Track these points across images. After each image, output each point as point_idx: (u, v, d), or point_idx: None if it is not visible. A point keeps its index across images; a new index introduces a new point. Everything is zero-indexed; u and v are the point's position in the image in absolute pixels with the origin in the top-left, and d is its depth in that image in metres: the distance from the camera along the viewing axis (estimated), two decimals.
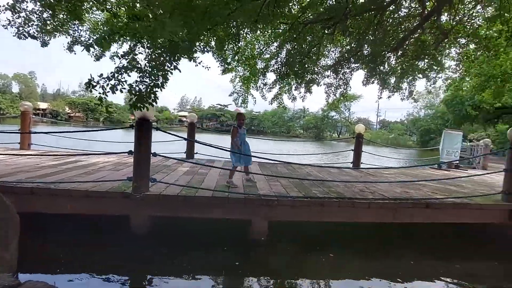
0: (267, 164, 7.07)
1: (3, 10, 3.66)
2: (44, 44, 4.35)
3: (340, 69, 6.83)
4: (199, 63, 3.99)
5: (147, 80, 2.63)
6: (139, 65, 2.58)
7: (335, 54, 7.18)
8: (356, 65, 6.83)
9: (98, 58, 5.02)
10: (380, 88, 6.95)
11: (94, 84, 2.58)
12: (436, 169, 8.79)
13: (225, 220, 4.11)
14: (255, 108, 60.25)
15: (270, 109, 64.65)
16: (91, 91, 2.61)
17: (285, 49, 6.52)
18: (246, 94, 7.39)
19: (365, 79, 6.87)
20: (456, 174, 7.78)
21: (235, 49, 6.10)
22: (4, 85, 60.69)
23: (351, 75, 7.10)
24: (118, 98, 23.65)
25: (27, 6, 3.78)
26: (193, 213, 3.86)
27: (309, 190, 4.56)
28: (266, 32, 6.18)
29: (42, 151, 6.80)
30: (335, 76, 6.98)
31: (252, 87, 7.29)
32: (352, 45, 6.53)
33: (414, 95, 7.26)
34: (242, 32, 5.45)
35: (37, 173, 4.36)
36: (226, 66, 6.49)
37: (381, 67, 6.71)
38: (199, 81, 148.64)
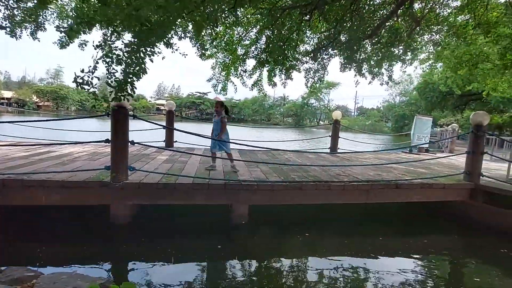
0: (247, 151, 7.15)
1: None
2: (13, 34, 4.10)
3: (318, 55, 6.92)
4: (176, 49, 3.90)
5: (121, 68, 2.55)
6: (120, 55, 2.49)
7: (313, 40, 7.24)
8: (334, 51, 6.95)
9: (63, 46, 4.76)
10: (357, 74, 7.13)
11: (82, 81, 2.46)
12: (408, 153, 9.28)
13: (207, 206, 4.18)
14: (236, 96, 59.83)
15: (250, 96, 64.50)
16: (83, 88, 2.49)
17: (264, 35, 6.49)
18: (226, 81, 7.31)
19: (342, 66, 7.02)
20: (425, 157, 8.27)
21: (214, 34, 5.98)
22: None
23: (329, 61, 7.23)
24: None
25: None
26: (174, 200, 3.88)
27: (288, 174, 4.70)
28: (245, 17, 6.09)
29: (11, 142, 6.45)
30: (313, 61, 7.07)
31: (232, 74, 7.21)
32: (330, 31, 6.61)
33: (393, 80, 7.49)
34: (220, 18, 5.34)
35: (7, 165, 4.16)
36: (203, 51, 6.36)
37: (358, 54, 6.87)
38: (179, 69, 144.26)
